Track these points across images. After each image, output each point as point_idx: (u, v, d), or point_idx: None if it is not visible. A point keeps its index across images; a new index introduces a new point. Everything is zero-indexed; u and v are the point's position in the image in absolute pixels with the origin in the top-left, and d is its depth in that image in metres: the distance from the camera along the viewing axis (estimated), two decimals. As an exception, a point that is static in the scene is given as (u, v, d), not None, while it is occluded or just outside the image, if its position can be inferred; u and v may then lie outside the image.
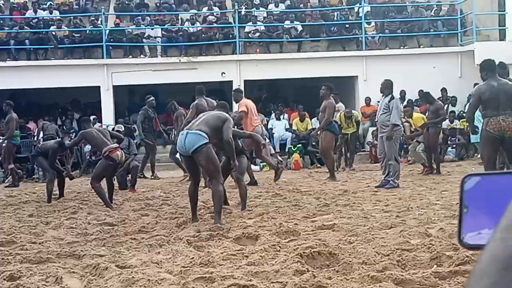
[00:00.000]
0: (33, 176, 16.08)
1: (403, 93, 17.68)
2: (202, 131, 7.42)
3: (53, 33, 19.05)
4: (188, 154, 7.47)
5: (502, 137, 8.24)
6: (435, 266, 4.94)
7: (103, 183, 10.12)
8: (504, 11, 19.31)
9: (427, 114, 13.95)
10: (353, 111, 16.13)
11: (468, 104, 9.72)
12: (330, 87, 12.80)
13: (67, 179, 11.41)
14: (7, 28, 19.44)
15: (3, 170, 16.11)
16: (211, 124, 7.58)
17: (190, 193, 7.87)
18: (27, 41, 18.80)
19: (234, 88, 13.67)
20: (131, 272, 5.04)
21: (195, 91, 12.97)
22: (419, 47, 19.58)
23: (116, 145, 10.14)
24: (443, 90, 18.05)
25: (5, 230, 7.64)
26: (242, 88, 16.69)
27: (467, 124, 9.22)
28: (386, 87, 11.19)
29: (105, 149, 9.83)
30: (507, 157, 8.91)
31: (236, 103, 13.19)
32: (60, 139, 11.76)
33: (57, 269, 5.31)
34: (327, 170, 13.24)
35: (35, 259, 5.80)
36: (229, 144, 7.72)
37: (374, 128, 15.75)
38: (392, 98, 11.03)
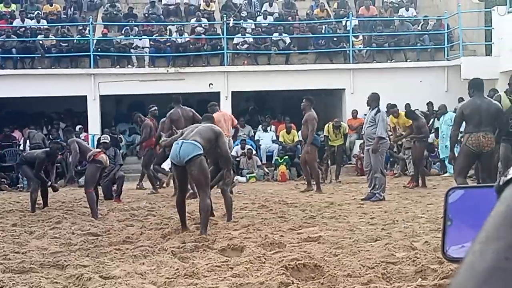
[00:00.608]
0: (18, 185, 15.97)
1: (389, 107, 17.76)
2: (197, 141, 7.45)
3: (40, 42, 18.98)
4: (182, 163, 7.45)
5: (480, 153, 8.55)
6: (420, 279, 4.94)
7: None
8: (490, 26, 19.49)
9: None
10: (341, 122, 16.13)
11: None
12: (310, 99, 13.00)
13: (50, 189, 11.33)
14: (-7, 37, 19.35)
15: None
16: (205, 136, 7.62)
17: (177, 204, 7.88)
18: (14, 49, 18.72)
19: (210, 104, 13.59)
20: (115, 283, 5.01)
21: (172, 100, 13.01)
22: (406, 61, 19.70)
23: (99, 149, 10.16)
24: (429, 104, 18.15)
25: (-12, 240, 7.57)
26: (227, 100, 16.74)
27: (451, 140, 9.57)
28: (373, 100, 11.25)
29: (89, 154, 9.85)
30: (481, 171, 9.24)
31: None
32: (48, 148, 11.67)
33: (40, 279, 5.26)
34: (313, 182, 13.24)
35: (18, 269, 5.74)
36: (228, 158, 8.03)
37: (361, 141, 15.79)
38: (379, 111, 11.09)
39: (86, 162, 10.22)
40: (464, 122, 8.86)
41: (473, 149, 8.51)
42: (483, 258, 0.54)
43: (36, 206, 10.75)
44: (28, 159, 11.18)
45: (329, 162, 15.85)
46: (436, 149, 16.78)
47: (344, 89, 19.25)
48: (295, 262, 5.40)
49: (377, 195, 10.91)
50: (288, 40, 19.89)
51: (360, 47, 20.03)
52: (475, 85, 8.83)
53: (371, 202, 10.66)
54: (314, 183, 13.15)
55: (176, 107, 12.60)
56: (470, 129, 8.58)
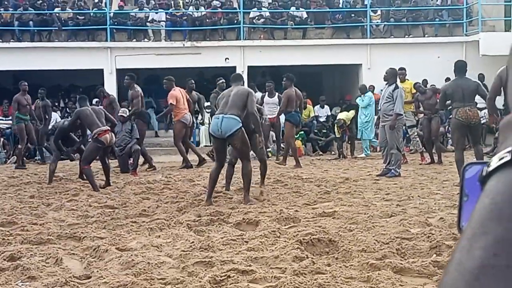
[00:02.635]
0: (35, 158, 16.11)
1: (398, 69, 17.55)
2: (236, 115, 7.85)
3: (57, 15, 19.00)
4: (223, 137, 7.91)
5: (468, 124, 9.56)
6: (434, 255, 4.95)
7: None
8: (510, 2, 19.21)
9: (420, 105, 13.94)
10: (340, 116, 15.78)
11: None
12: (291, 77, 13.46)
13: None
14: (11, 9, 19.39)
15: (5, 151, 16.16)
16: (240, 106, 7.95)
17: (212, 175, 8.15)
18: (31, 22, 18.76)
19: (166, 77, 13.84)
20: (131, 255, 5.06)
21: (128, 77, 13.36)
22: (424, 36, 19.51)
23: (106, 128, 10.05)
24: (448, 80, 17.96)
25: (6, 211, 7.67)
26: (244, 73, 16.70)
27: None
28: (391, 76, 11.18)
29: (95, 131, 9.87)
30: (472, 141, 10.63)
31: (168, 90, 13.58)
32: (66, 119, 11.79)
33: (57, 250, 5.33)
34: (329, 158, 13.27)
35: (36, 240, 5.82)
36: (254, 115, 8.16)
37: (377, 117, 15.72)
38: (397, 87, 11.02)
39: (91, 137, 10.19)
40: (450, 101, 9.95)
41: (463, 121, 9.50)
42: (471, 255, 0.53)
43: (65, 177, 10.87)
44: (54, 129, 11.37)
45: (344, 137, 15.78)
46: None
47: (361, 64, 19.13)
48: (310, 237, 5.43)
49: (392, 171, 10.89)
50: (305, 15, 19.75)
51: (377, 22, 19.86)
52: (458, 67, 9.98)
53: (387, 178, 10.65)
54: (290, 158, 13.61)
55: (134, 85, 13.22)
56: (456, 105, 9.64)
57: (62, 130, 10.81)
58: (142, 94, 13.53)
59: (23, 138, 14.50)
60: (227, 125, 7.81)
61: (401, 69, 13.88)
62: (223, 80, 14.43)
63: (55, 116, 16.87)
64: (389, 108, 10.93)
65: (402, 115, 11.10)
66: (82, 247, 5.52)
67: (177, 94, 13.37)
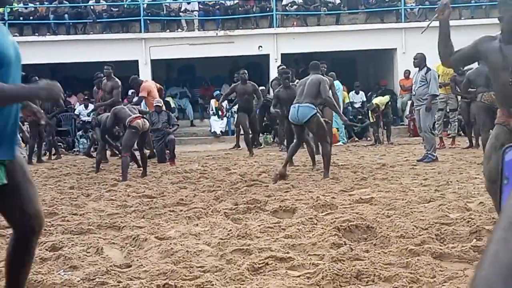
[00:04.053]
0: (74, 149, 16.35)
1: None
2: (310, 103, 8.93)
3: (92, 7, 19.20)
4: (300, 123, 9.03)
5: (493, 107, 9.87)
6: (474, 240, 4.89)
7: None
8: (549, -20, 18.76)
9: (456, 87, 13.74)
10: (374, 101, 15.80)
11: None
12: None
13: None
14: (46, 3, 19.65)
15: (44, 143, 16.41)
16: (314, 94, 8.99)
17: (291, 148, 9.45)
18: (66, 15, 18.99)
19: (131, 77, 14.50)
20: (170, 243, 5.11)
21: (108, 67, 13.67)
22: (460, 19, 19.18)
23: (137, 114, 10.29)
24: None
25: (47, 202, 7.79)
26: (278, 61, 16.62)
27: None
28: (422, 60, 11.13)
29: (127, 120, 10.05)
30: None
31: (139, 87, 13.98)
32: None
33: (97, 240, 5.41)
34: (364, 144, 13.18)
35: (76, 230, 5.91)
36: (328, 100, 9.21)
37: (411, 102, 15.61)
38: (429, 69, 11.02)
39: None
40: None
41: (488, 104, 9.85)
42: (508, 247, 0.49)
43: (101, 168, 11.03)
44: (98, 121, 11.74)
45: (379, 123, 15.68)
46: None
47: (395, 48, 18.92)
48: (347, 223, 5.41)
49: (429, 155, 10.79)
50: (338, 0, 19.58)
51: (412, 6, 19.59)
52: None
53: (424, 163, 10.54)
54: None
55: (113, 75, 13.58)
56: (481, 90, 10.17)
57: (104, 128, 11.24)
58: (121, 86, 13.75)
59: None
60: (303, 113, 8.89)
61: None
62: (283, 66, 14.50)
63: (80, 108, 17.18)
64: (424, 92, 10.87)
65: (437, 96, 11.07)
66: (122, 236, 5.59)
67: (148, 86, 13.83)
